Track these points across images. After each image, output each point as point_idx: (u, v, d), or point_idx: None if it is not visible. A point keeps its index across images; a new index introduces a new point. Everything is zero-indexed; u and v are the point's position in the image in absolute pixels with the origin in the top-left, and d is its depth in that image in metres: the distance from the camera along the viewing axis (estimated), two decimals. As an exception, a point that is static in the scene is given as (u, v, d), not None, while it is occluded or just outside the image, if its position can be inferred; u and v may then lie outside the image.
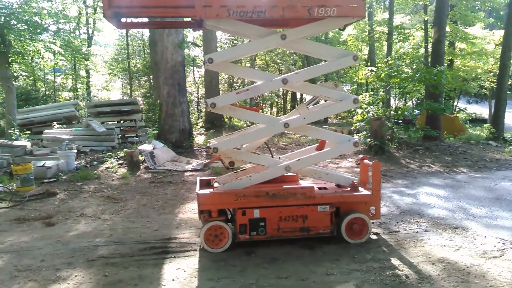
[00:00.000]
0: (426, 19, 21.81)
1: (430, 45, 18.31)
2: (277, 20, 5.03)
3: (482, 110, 30.07)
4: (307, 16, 4.80)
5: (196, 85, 31.38)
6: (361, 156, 6.11)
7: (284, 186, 5.17)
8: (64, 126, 15.19)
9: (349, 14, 4.89)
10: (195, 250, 5.15)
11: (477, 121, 27.26)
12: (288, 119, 5.23)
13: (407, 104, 17.64)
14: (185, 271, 4.54)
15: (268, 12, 4.71)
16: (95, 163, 11.18)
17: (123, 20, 5.15)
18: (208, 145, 5.14)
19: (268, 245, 5.13)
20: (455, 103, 26.18)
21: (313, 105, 5.57)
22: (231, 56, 5.24)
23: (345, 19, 5.03)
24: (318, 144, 5.54)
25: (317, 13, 4.78)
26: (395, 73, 13.00)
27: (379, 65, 15.98)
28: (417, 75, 12.84)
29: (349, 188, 5.46)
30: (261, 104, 27.57)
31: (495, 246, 5.18)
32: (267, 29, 5.06)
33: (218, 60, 4.94)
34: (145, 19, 5.90)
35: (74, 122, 16.31)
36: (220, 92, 22.72)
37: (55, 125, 14.77)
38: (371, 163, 5.44)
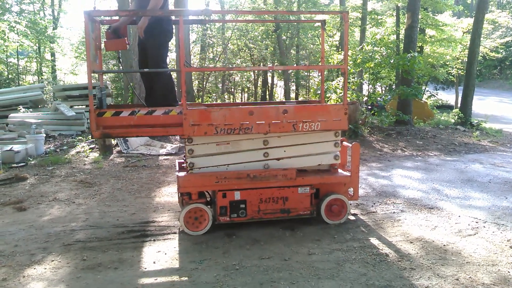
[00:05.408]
0: (398, 5, 21.97)
1: (401, 31, 18.53)
2: None
3: (448, 97, 30.74)
4: (292, 131, 4.93)
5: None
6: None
7: (264, 168, 5.15)
8: (30, 110, 14.63)
9: (333, 128, 5.10)
10: (175, 233, 5.09)
11: (443, 107, 27.82)
12: (269, 149, 5.17)
13: (377, 90, 17.81)
14: (166, 253, 4.48)
15: (255, 129, 4.84)
16: (65, 147, 10.85)
17: None
18: (184, 158, 5.11)
19: (248, 227, 5.12)
20: (424, 89, 26.64)
21: None
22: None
23: (328, 132, 5.17)
24: None
25: (301, 128, 4.93)
26: (370, 58, 13.11)
27: (351, 51, 16.07)
28: (391, 61, 12.98)
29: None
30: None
31: (469, 225, 5.33)
32: None
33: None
34: None
35: (40, 106, 15.74)
36: (191, 77, 22.33)
37: (21, 109, 14.22)
38: (351, 145, 5.50)
